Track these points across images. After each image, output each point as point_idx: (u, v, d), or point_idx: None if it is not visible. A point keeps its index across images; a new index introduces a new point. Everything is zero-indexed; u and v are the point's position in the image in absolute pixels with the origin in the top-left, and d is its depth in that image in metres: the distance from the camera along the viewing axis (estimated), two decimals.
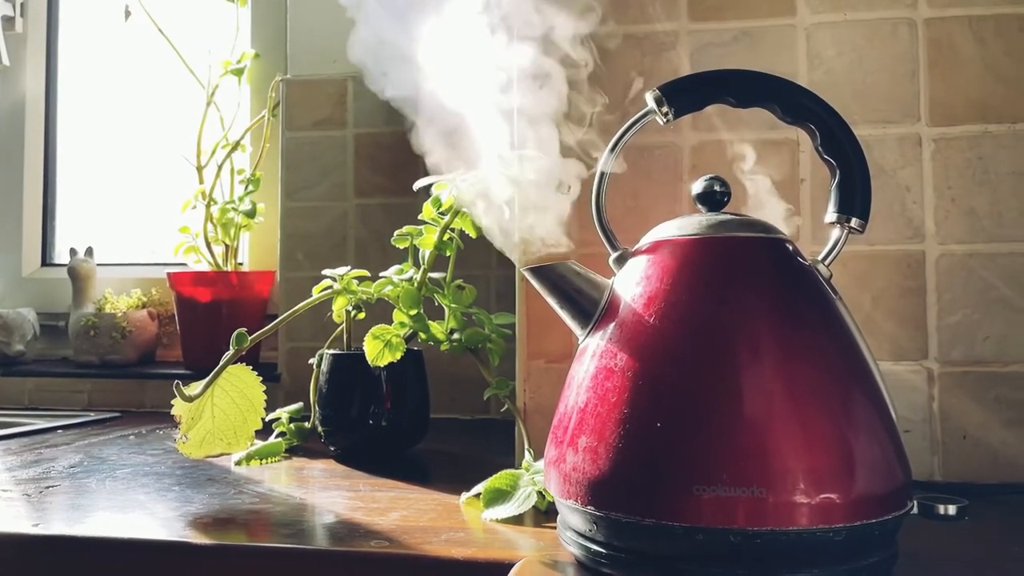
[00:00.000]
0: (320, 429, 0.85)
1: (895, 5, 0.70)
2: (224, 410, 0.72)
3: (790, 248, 0.51)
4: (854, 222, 0.52)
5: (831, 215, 0.53)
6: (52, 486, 0.70)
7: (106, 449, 0.89)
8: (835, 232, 0.53)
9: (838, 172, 0.52)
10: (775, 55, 0.71)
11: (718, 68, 0.56)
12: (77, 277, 1.32)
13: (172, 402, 0.70)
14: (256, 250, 1.33)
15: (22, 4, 1.47)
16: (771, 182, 0.61)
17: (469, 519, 0.60)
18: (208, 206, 1.24)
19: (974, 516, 0.47)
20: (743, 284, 0.48)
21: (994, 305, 0.67)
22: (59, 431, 1.02)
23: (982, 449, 0.66)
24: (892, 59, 0.70)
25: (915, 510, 0.46)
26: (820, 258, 0.52)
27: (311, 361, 0.89)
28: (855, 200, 0.52)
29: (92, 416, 1.13)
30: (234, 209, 1.23)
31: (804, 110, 0.53)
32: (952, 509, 0.46)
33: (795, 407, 0.44)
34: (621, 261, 0.53)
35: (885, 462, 0.45)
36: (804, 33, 0.71)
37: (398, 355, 0.78)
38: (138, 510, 0.63)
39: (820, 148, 0.53)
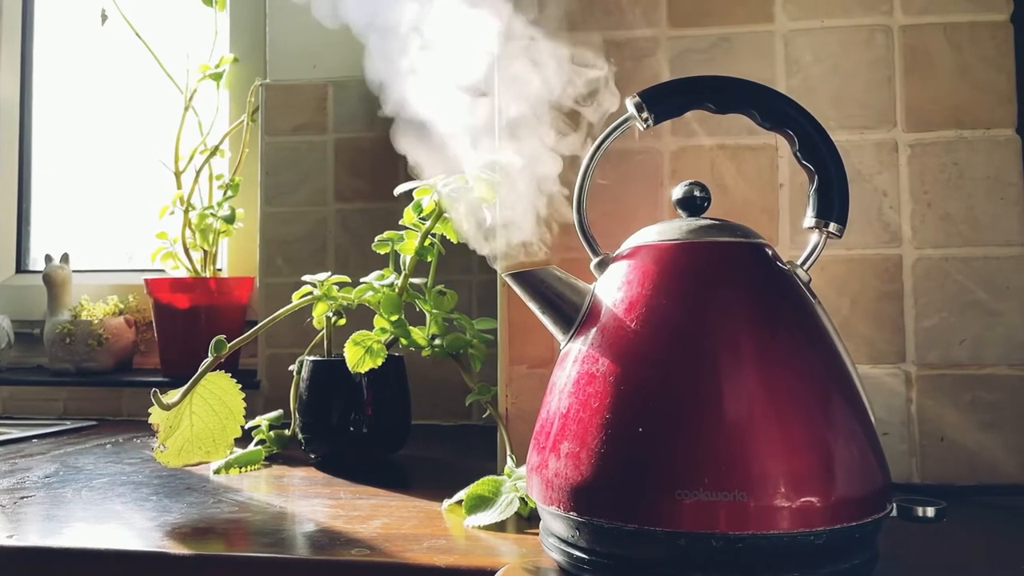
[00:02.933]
0: (300, 436, 0.85)
1: (871, 12, 0.71)
2: (203, 418, 0.72)
3: (769, 253, 0.51)
4: (832, 227, 0.53)
5: (809, 220, 0.53)
6: (27, 496, 0.69)
7: (82, 458, 0.88)
8: (813, 237, 0.53)
9: (816, 177, 0.53)
10: (753, 61, 0.72)
11: (697, 74, 0.57)
12: (52, 284, 1.31)
13: (150, 410, 0.69)
14: (235, 256, 1.32)
15: None
16: None
17: (451, 526, 0.60)
18: (186, 211, 1.22)
19: (952, 518, 0.48)
20: (723, 289, 0.48)
21: (970, 308, 0.68)
22: (34, 440, 1.00)
23: (959, 451, 0.67)
24: (868, 65, 0.70)
25: (894, 512, 0.47)
26: (799, 262, 0.52)
27: (291, 368, 0.89)
28: (833, 205, 0.53)
29: (68, 425, 1.12)
30: (213, 215, 1.22)
31: (782, 116, 0.54)
32: (931, 511, 0.47)
33: (775, 411, 0.44)
34: (602, 266, 0.54)
35: (864, 465, 0.45)
36: (782, 40, 0.72)
37: (379, 361, 0.77)
38: (115, 520, 0.62)
39: (798, 154, 0.54)
